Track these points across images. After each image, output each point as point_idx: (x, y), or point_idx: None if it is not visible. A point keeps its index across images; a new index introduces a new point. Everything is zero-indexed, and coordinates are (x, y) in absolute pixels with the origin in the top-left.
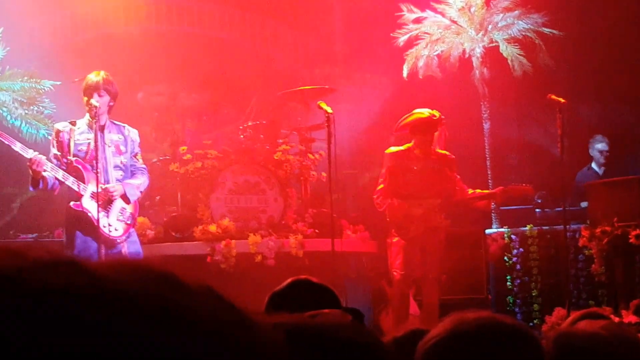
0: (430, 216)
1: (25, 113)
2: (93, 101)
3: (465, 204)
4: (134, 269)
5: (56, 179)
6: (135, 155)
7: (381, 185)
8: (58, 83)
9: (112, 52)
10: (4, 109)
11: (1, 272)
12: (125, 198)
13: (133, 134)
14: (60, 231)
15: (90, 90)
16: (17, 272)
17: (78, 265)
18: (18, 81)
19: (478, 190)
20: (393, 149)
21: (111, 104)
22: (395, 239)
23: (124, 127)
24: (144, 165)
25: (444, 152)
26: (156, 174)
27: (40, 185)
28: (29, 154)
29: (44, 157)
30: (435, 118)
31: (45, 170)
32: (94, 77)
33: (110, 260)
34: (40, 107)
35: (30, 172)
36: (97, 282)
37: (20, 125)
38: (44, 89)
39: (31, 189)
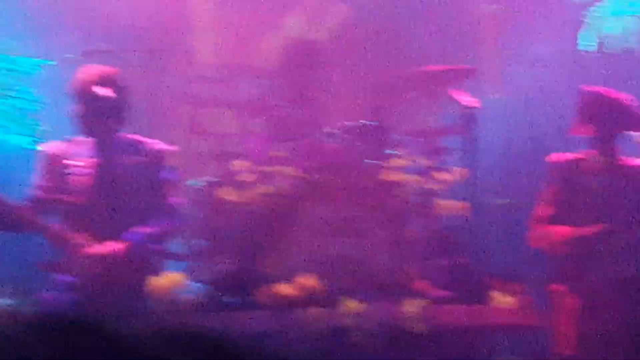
0: (616, 259)
1: None
2: (99, 90)
3: None
4: None
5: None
6: (163, 185)
7: (540, 213)
8: (52, 64)
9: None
10: None
11: None
12: None
13: (156, 153)
14: None
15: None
16: None
17: None
18: None
19: None
20: (559, 156)
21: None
22: (561, 294)
23: (140, 143)
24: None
25: None
26: (198, 204)
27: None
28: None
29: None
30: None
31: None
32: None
33: None
34: (20, 101)
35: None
36: None
37: None
38: (24, 73)
39: None
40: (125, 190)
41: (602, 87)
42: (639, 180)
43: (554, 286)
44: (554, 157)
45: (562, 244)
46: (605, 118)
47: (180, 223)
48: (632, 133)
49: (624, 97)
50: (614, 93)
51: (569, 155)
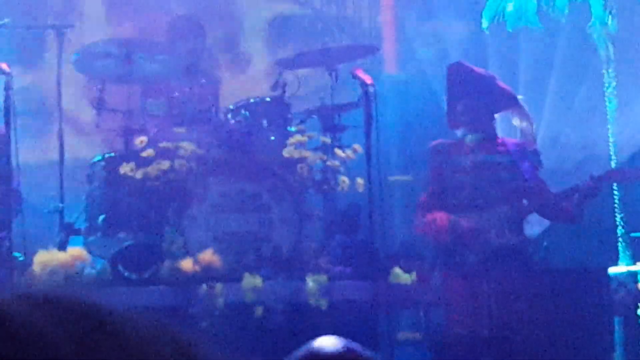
0: (492, 233)
1: None
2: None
3: (546, 211)
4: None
5: None
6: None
7: (423, 199)
8: None
9: None
10: None
11: None
12: None
13: None
14: None
15: None
16: None
17: None
18: None
19: None
20: (438, 141)
21: None
22: (446, 276)
23: None
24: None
25: (517, 140)
26: (98, 180)
27: None
28: None
29: None
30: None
31: None
32: None
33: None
34: None
35: None
36: None
37: None
38: None
39: None
40: None
41: (465, 62)
42: (512, 156)
43: (442, 265)
44: (433, 142)
45: (441, 233)
46: (471, 92)
47: (21, 206)
48: (506, 113)
49: (485, 72)
50: (475, 68)
51: (445, 140)
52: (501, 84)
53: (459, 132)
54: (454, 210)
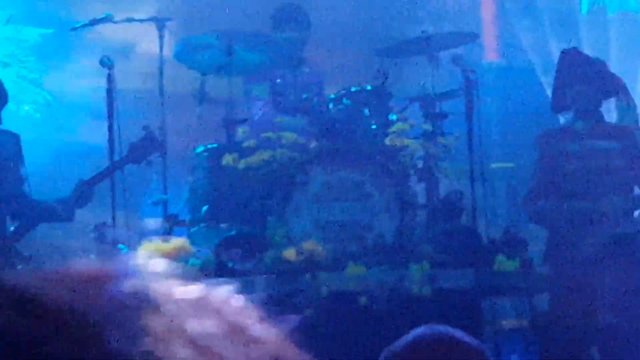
0: (607, 223)
1: None
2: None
3: None
4: None
5: None
6: None
7: (533, 186)
8: (49, 31)
9: None
10: None
11: None
12: None
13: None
14: None
15: None
16: None
17: None
18: None
19: None
20: (547, 129)
21: None
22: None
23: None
24: None
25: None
26: (201, 171)
27: None
28: None
29: None
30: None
31: None
32: None
33: None
34: (23, 70)
35: None
36: None
37: None
38: (27, 42)
39: None
40: None
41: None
42: (622, 143)
43: (553, 253)
44: (541, 131)
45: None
46: (583, 78)
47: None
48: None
49: (597, 59)
50: (588, 56)
51: (553, 127)
52: (606, 68)
53: (564, 118)
54: (565, 199)
